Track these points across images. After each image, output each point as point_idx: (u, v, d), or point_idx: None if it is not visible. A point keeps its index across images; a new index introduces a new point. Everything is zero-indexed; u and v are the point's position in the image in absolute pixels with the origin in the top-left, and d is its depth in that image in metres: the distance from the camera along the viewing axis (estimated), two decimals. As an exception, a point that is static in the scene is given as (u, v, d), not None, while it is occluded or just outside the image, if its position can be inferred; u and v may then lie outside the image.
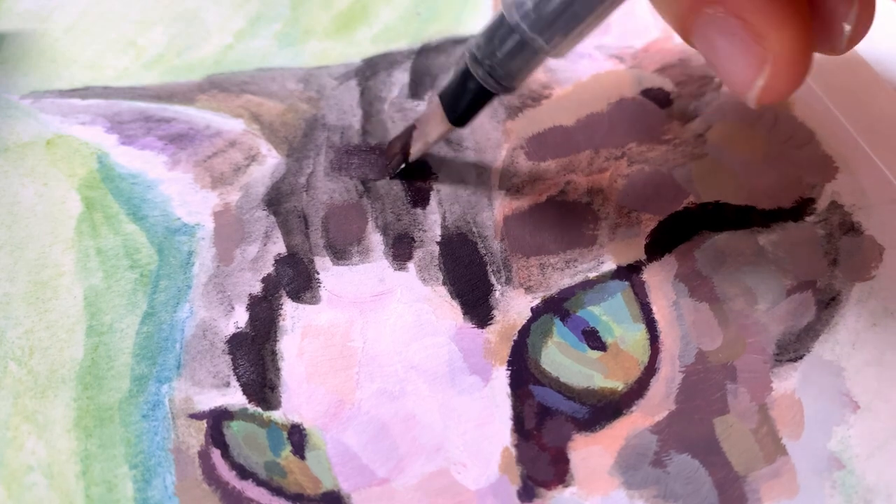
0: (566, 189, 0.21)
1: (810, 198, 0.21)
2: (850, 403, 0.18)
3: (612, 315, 0.19)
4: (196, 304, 0.20)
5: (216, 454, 0.18)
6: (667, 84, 0.23)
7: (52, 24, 0.25)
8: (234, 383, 0.19)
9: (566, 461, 0.18)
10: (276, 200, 0.21)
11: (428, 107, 0.20)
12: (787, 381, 0.18)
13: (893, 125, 0.22)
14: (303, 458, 0.18)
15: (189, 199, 0.21)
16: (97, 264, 0.20)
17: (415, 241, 0.20)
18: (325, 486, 0.18)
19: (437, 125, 0.20)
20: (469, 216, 0.21)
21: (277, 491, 0.18)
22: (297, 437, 0.18)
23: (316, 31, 0.25)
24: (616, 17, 0.24)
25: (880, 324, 0.19)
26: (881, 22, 0.24)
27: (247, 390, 0.19)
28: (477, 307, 0.19)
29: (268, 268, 0.20)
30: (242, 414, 0.18)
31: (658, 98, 0.23)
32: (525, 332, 0.19)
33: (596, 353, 0.19)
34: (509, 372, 0.19)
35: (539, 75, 0.23)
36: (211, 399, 0.19)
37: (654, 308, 0.19)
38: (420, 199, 0.21)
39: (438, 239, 0.20)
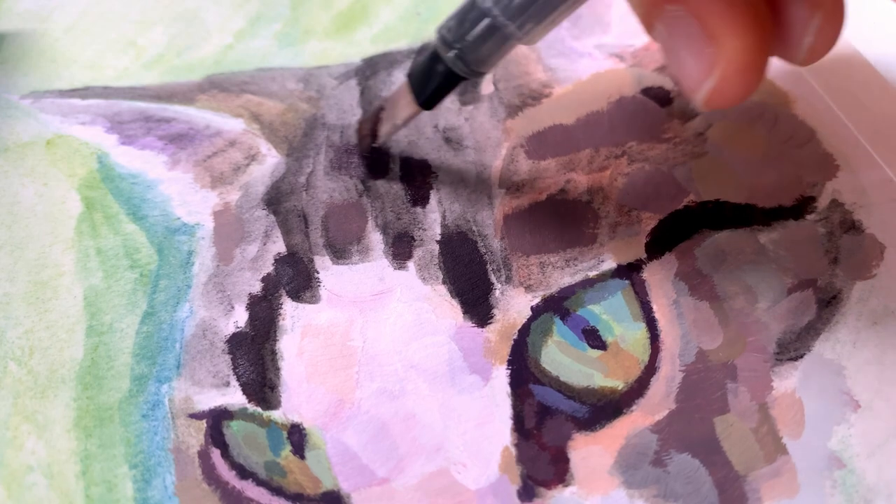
0: (566, 188, 0.21)
1: (811, 196, 0.21)
2: (851, 402, 0.18)
3: (613, 314, 0.19)
4: (196, 303, 0.20)
5: (216, 454, 0.18)
6: (667, 83, 0.23)
7: (52, 24, 0.25)
8: (234, 383, 0.19)
9: (566, 460, 0.18)
10: (276, 200, 0.21)
11: (397, 88, 0.20)
12: (788, 380, 0.18)
13: (894, 123, 0.22)
14: (303, 457, 0.18)
15: (189, 199, 0.21)
16: (97, 264, 0.20)
17: (415, 240, 0.20)
18: (325, 485, 0.18)
19: (405, 107, 0.20)
20: (469, 215, 0.21)
21: (277, 491, 0.18)
22: (297, 437, 0.18)
23: (316, 31, 0.25)
24: (616, 16, 0.24)
25: (881, 322, 0.19)
26: (881, 21, 0.24)
27: (246, 390, 0.19)
28: (477, 306, 0.19)
29: (267, 267, 0.20)
30: (242, 414, 0.18)
31: (658, 97, 0.23)
32: (525, 331, 0.19)
33: (596, 352, 0.19)
34: (509, 371, 0.19)
35: (539, 74, 0.23)
36: (211, 399, 0.19)
37: (655, 307, 0.19)
38: (420, 198, 0.21)
39: (438, 238, 0.20)
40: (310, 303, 0.20)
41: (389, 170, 0.22)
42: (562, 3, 0.16)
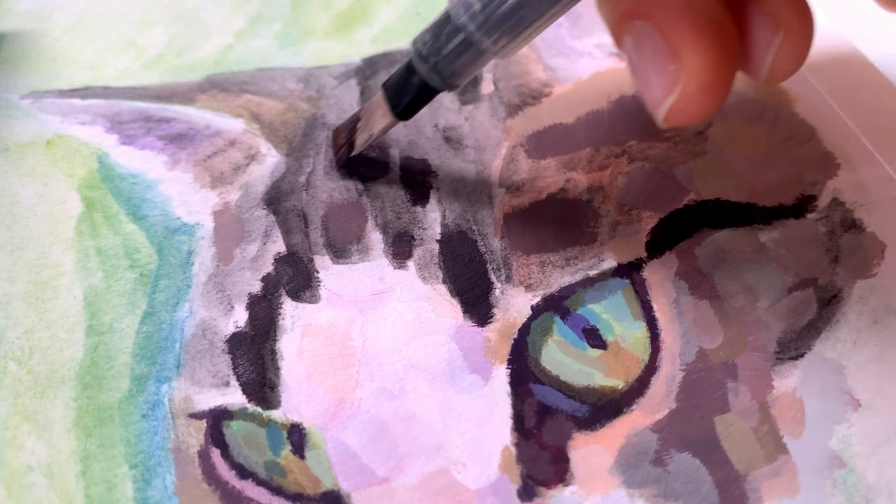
0: (566, 187, 0.21)
1: (812, 195, 0.21)
2: (852, 401, 0.18)
3: (613, 313, 0.19)
4: (196, 303, 0.20)
5: (216, 454, 0.18)
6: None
7: (52, 24, 0.25)
8: (234, 383, 0.19)
9: (566, 460, 0.18)
10: (276, 199, 0.21)
11: (373, 98, 0.20)
12: (788, 380, 0.18)
13: (895, 122, 0.22)
14: (302, 457, 0.18)
15: (189, 199, 0.21)
16: (97, 264, 0.20)
17: (414, 240, 0.20)
18: (325, 485, 0.18)
19: (380, 117, 0.20)
20: (469, 214, 0.21)
21: (277, 490, 0.18)
22: (297, 437, 0.18)
23: (316, 31, 0.25)
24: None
25: (882, 321, 0.19)
26: (881, 21, 0.24)
27: (246, 390, 0.19)
28: (477, 305, 0.19)
29: (267, 267, 0.20)
30: (242, 413, 0.18)
31: (658, 96, 0.23)
32: (525, 330, 0.19)
33: (596, 352, 0.19)
34: (509, 370, 0.19)
35: (539, 73, 0.23)
36: (210, 398, 0.19)
37: (655, 306, 0.19)
38: (420, 197, 0.21)
39: (438, 237, 0.20)
40: (310, 302, 0.20)
41: (389, 169, 0.22)
42: (537, 19, 0.16)
